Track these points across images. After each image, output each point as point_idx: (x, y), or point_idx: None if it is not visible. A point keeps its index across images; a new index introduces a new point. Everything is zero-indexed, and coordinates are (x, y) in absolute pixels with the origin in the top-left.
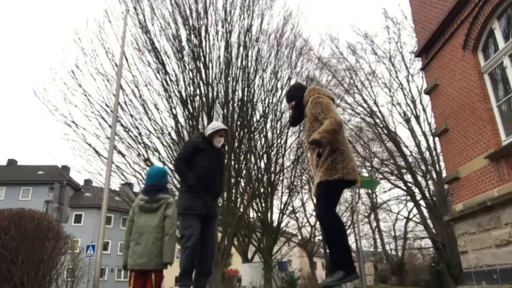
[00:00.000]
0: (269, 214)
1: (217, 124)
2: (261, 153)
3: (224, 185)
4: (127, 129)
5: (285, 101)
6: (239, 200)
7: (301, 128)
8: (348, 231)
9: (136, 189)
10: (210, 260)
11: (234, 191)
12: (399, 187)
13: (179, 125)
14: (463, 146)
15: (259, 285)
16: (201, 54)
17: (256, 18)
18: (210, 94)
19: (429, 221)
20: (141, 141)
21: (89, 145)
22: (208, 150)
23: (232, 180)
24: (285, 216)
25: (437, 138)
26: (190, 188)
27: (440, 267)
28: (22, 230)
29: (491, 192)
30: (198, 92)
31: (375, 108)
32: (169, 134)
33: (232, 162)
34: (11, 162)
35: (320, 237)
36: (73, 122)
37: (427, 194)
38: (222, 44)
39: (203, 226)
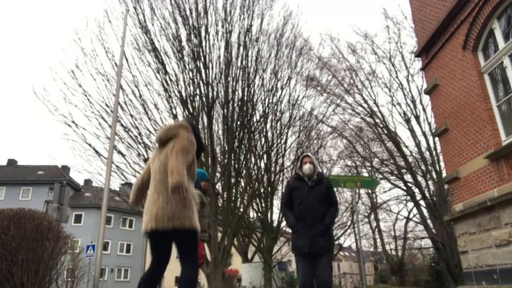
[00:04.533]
0: (269, 214)
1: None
2: (261, 153)
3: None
4: (127, 129)
5: (285, 100)
6: (239, 200)
7: (301, 128)
8: (348, 231)
9: None
10: None
11: (234, 191)
12: (399, 187)
13: None
14: (463, 146)
15: (259, 285)
16: (201, 54)
17: (256, 18)
18: (210, 94)
19: (429, 221)
20: (141, 141)
21: (89, 145)
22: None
23: (232, 180)
24: None
25: (437, 138)
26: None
27: (440, 267)
28: (22, 230)
29: (491, 192)
30: (197, 92)
31: (375, 108)
32: None
33: (232, 162)
34: (11, 162)
35: None
36: (73, 122)
37: (427, 194)
38: (222, 44)
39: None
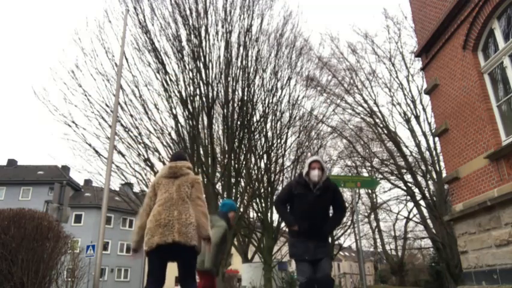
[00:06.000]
0: (269, 214)
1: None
2: (261, 153)
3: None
4: (127, 129)
5: (285, 100)
6: (239, 200)
7: (301, 128)
8: (348, 231)
9: (136, 189)
10: None
11: (234, 191)
12: (399, 187)
13: (179, 125)
14: (463, 146)
15: (259, 285)
16: (201, 54)
17: (256, 18)
18: (210, 94)
19: (429, 221)
20: (141, 141)
21: (89, 145)
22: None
23: (232, 180)
24: None
25: (437, 138)
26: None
27: (440, 267)
28: (22, 230)
29: (491, 192)
30: (197, 92)
31: (375, 108)
32: (169, 134)
33: (232, 162)
34: (11, 162)
35: None
36: (73, 122)
37: (427, 194)
38: (222, 44)
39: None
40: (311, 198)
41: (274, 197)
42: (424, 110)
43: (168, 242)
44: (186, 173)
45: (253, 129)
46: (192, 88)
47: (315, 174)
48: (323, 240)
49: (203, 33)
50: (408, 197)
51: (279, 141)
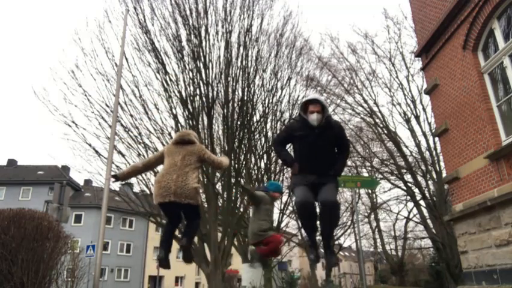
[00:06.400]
0: None
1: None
2: (261, 153)
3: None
4: (127, 129)
5: (285, 100)
6: (239, 200)
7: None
8: (348, 231)
9: (136, 189)
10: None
11: (234, 191)
12: (399, 187)
13: (179, 125)
14: (463, 146)
15: (259, 285)
16: (201, 54)
17: (256, 18)
18: (210, 94)
19: (429, 221)
20: (141, 141)
21: (89, 145)
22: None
23: (232, 180)
24: (285, 216)
25: (437, 138)
26: None
27: (440, 267)
28: (22, 230)
29: (491, 192)
30: (197, 92)
31: (375, 108)
32: (169, 134)
33: (232, 162)
34: (11, 162)
35: (320, 237)
36: (73, 122)
37: (427, 194)
38: (222, 44)
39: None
40: (312, 138)
41: None
42: (424, 110)
43: (165, 201)
44: (193, 141)
45: (253, 129)
46: (191, 88)
47: (313, 118)
48: (328, 174)
49: (203, 33)
50: (408, 197)
51: None
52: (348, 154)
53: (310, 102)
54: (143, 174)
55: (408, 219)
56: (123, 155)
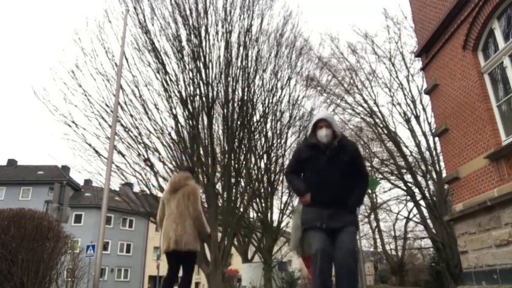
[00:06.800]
0: (269, 214)
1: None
2: (261, 153)
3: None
4: (127, 129)
5: (285, 100)
6: (239, 200)
7: (301, 128)
8: None
9: (136, 189)
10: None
11: (234, 191)
12: (399, 187)
13: (179, 125)
14: (463, 146)
15: (259, 285)
16: (201, 54)
17: (256, 18)
18: (210, 94)
19: (429, 221)
20: (141, 141)
21: (89, 145)
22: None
23: (232, 180)
24: (285, 216)
25: (437, 138)
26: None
27: (440, 267)
28: (22, 230)
29: (491, 192)
30: (197, 92)
31: (375, 108)
32: (169, 134)
33: (232, 162)
34: (11, 162)
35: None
36: (73, 122)
37: (427, 194)
38: (222, 44)
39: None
40: (323, 162)
41: (275, 197)
42: (424, 110)
43: (169, 250)
44: (184, 185)
45: (253, 129)
46: (191, 88)
47: (322, 134)
48: (345, 209)
49: (203, 33)
50: (408, 197)
51: (279, 141)
52: (367, 183)
53: (318, 121)
54: (143, 174)
55: (408, 219)
56: (123, 155)
